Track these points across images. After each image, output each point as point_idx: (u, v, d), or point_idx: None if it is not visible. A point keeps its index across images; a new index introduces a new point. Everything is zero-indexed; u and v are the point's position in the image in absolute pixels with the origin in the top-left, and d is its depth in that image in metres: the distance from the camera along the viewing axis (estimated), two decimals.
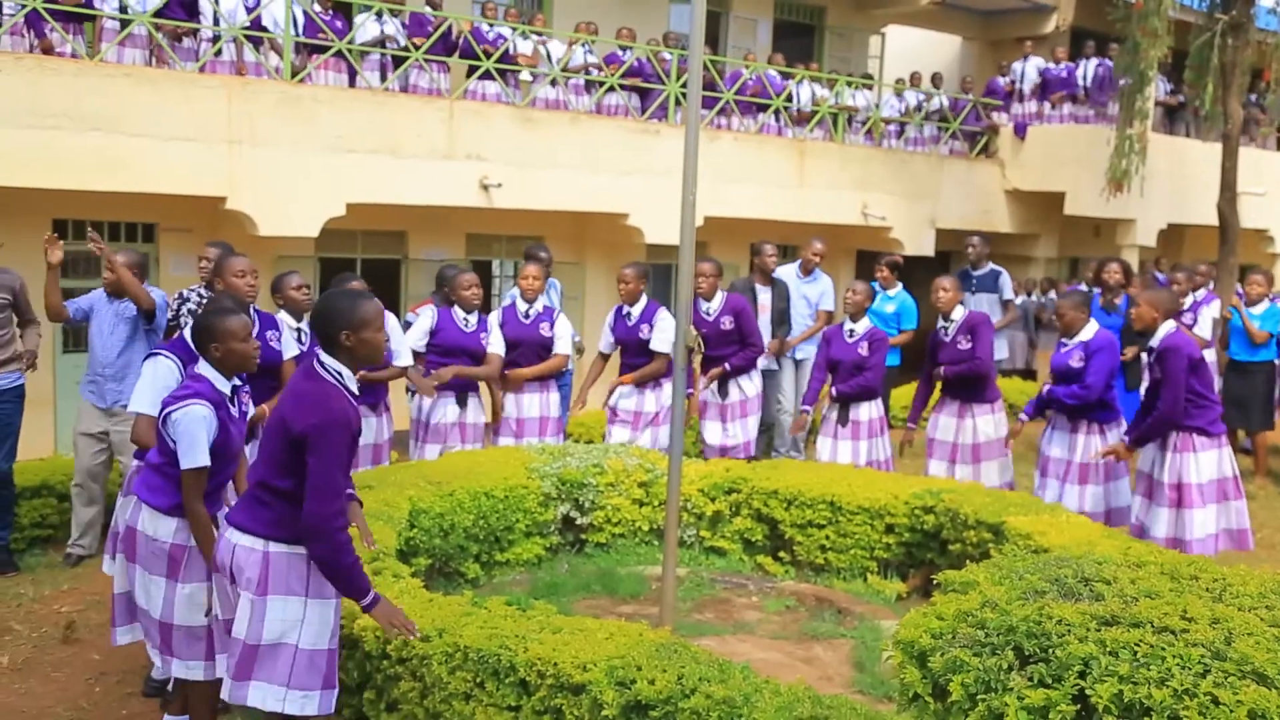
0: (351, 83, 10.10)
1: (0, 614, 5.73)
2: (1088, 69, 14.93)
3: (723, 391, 7.88)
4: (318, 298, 3.69)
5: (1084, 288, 10.53)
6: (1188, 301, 9.63)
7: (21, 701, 4.77)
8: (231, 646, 3.65)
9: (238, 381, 4.22)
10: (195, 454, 3.93)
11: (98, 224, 9.40)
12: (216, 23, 9.41)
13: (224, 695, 3.64)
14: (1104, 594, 2.60)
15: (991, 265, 10.81)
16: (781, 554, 6.44)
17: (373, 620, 3.92)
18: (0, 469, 6.34)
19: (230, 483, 4.33)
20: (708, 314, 7.80)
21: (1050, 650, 2.38)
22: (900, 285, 9.70)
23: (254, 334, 5.48)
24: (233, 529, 3.64)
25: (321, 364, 3.59)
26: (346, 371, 3.60)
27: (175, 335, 4.93)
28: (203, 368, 4.08)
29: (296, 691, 3.58)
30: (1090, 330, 6.76)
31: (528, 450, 6.65)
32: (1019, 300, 12.88)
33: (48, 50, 8.68)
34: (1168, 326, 6.28)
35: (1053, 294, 13.39)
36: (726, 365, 7.77)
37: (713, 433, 7.98)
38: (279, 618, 3.55)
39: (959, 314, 7.38)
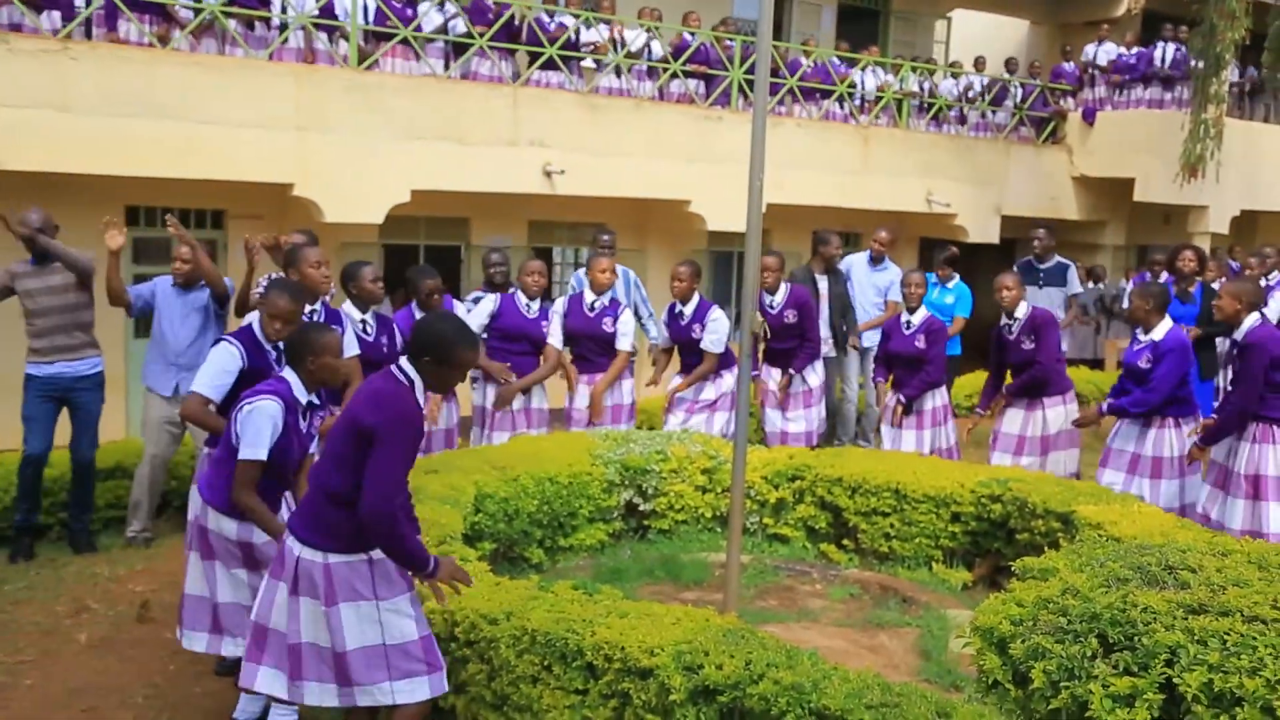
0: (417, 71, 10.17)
1: (78, 593, 5.86)
2: (1166, 52, 14.57)
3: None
4: (426, 315, 3.69)
5: (1148, 277, 10.32)
6: None
7: (100, 679, 4.87)
8: (305, 654, 3.65)
9: (315, 400, 4.28)
10: (255, 447, 4.00)
11: (168, 211, 9.55)
12: (285, 11, 9.50)
13: (323, 702, 3.66)
14: (1190, 582, 2.54)
15: (1059, 258, 10.61)
16: (845, 542, 6.40)
17: (438, 605, 3.96)
18: (86, 457, 6.47)
19: (288, 492, 4.38)
20: (771, 306, 7.78)
21: (1136, 638, 2.33)
22: (957, 277, 9.60)
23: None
24: (293, 539, 3.65)
25: (400, 369, 3.64)
26: (419, 383, 3.63)
27: (244, 324, 4.98)
28: (288, 373, 4.17)
29: (402, 682, 3.62)
30: (1162, 330, 6.55)
31: (592, 436, 6.66)
32: (1088, 287, 12.66)
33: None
34: (1252, 319, 6.11)
35: (1123, 282, 13.12)
36: (791, 372, 7.81)
37: (773, 420, 7.98)
38: (355, 622, 3.58)
39: (1023, 311, 7.26)
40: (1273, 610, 2.36)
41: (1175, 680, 2.25)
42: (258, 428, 3.99)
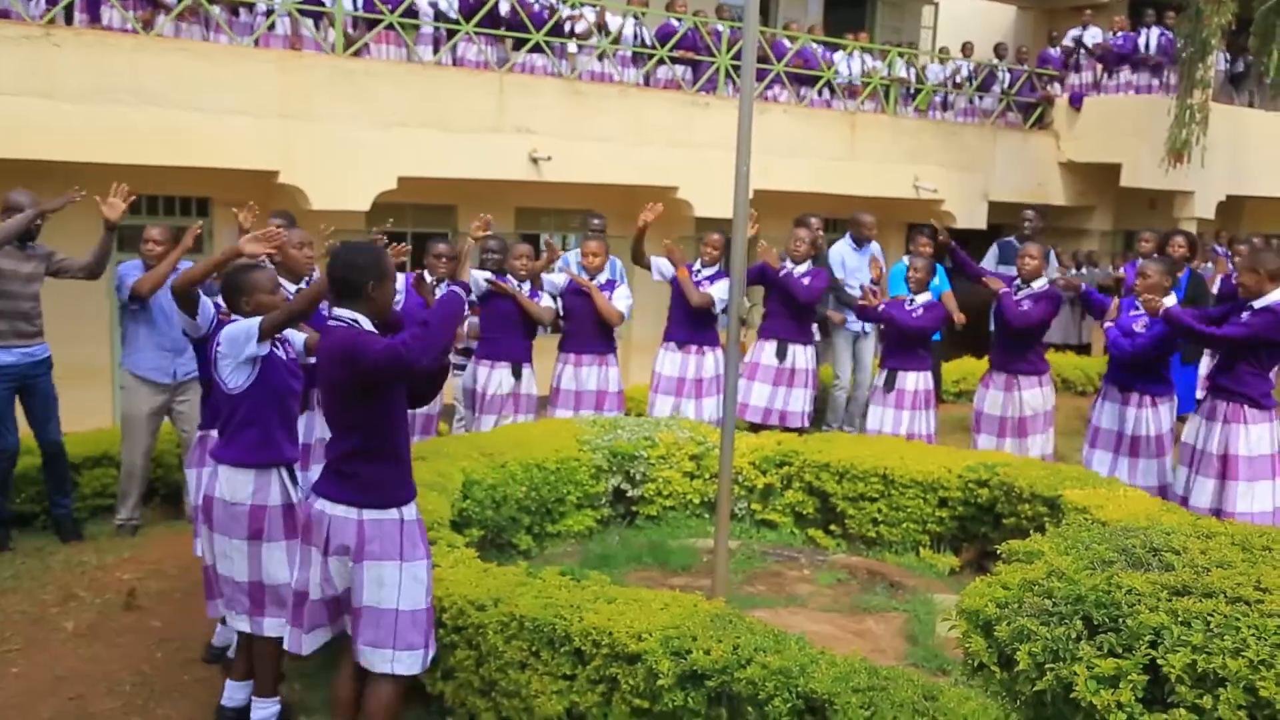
0: (407, 57, 10.12)
1: (65, 581, 5.83)
2: (1150, 37, 14.59)
3: (780, 354, 7.93)
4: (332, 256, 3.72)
5: (1140, 263, 10.33)
6: None
7: (88, 666, 4.86)
8: (317, 611, 3.77)
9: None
10: (249, 326, 4.05)
11: (153, 198, 9.50)
12: None
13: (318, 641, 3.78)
14: (1174, 564, 2.56)
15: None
16: (833, 527, 6.42)
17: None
18: (54, 439, 6.41)
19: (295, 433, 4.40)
20: (793, 273, 8.00)
21: (1120, 620, 2.34)
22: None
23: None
24: (322, 499, 3.71)
25: (337, 319, 3.67)
26: (362, 318, 3.66)
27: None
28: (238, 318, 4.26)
29: (404, 651, 3.69)
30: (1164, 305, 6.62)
31: (579, 423, 6.67)
32: (1072, 273, 12.68)
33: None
34: (1277, 293, 6.03)
35: (1110, 268, 13.14)
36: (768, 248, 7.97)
37: (759, 394, 8.00)
38: (375, 582, 3.65)
39: (1039, 285, 7.33)
40: (1256, 591, 2.38)
41: (1159, 661, 2.26)
42: (235, 329, 4.09)
